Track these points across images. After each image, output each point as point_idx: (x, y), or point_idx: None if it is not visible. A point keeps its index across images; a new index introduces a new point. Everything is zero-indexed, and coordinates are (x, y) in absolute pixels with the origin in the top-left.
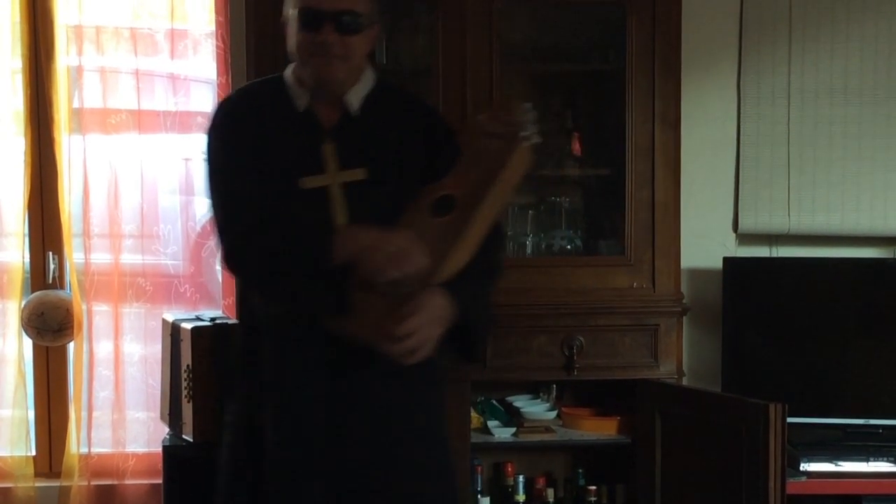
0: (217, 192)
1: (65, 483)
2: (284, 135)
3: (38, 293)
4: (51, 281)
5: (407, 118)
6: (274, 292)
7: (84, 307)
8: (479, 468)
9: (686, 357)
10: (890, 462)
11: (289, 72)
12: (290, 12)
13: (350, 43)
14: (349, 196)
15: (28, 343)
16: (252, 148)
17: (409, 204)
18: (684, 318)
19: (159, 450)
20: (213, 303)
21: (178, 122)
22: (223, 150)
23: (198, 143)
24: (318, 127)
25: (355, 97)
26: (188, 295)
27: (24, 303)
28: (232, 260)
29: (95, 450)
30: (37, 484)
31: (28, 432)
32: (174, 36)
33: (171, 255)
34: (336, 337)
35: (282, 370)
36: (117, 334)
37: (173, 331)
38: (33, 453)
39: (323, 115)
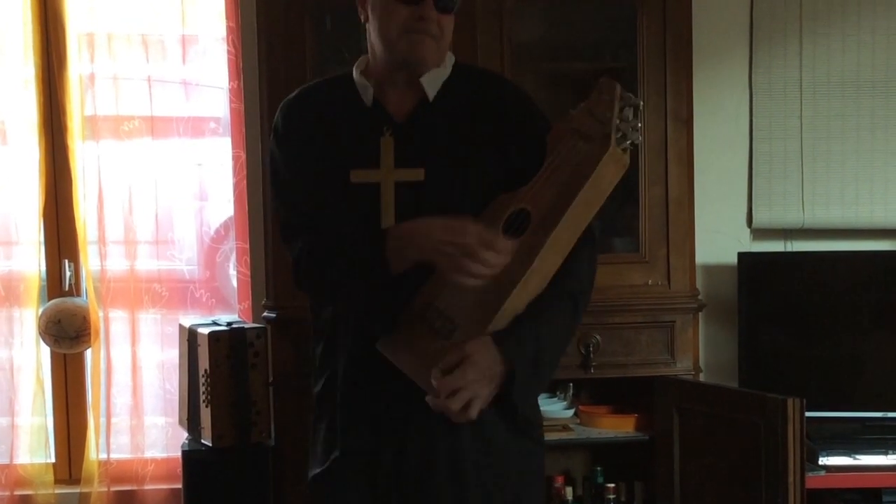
0: (283, 205)
1: (84, 489)
2: (347, 132)
3: (54, 301)
4: (67, 288)
5: (486, 103)
6: (330, 302)
7: (101, 314)
8: None
9: (703, 353)
10: None
11: (355, 68)
12: None
13: (444, 23)
14: (403, 197)
15: (46, 351)
16: (314, 152)
17: (477, 215)
18: (700, 314)
19: (178, 454)
20: (228, 307)
21: (191, 127)
22: (286, 160)
23: (210, 148)
24: (385, 119)
25: (433, 81)
26: (204, 300)
27: (40, 311)
28: (297, 273)
29: (114, 456)
30: (57, 491)
31: (47, 439)
32: (185, 41)
33: (186, 261)
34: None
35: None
36: (134, 340)
37: (190, 336)
38: (53, 460)
39: (394, 105)
